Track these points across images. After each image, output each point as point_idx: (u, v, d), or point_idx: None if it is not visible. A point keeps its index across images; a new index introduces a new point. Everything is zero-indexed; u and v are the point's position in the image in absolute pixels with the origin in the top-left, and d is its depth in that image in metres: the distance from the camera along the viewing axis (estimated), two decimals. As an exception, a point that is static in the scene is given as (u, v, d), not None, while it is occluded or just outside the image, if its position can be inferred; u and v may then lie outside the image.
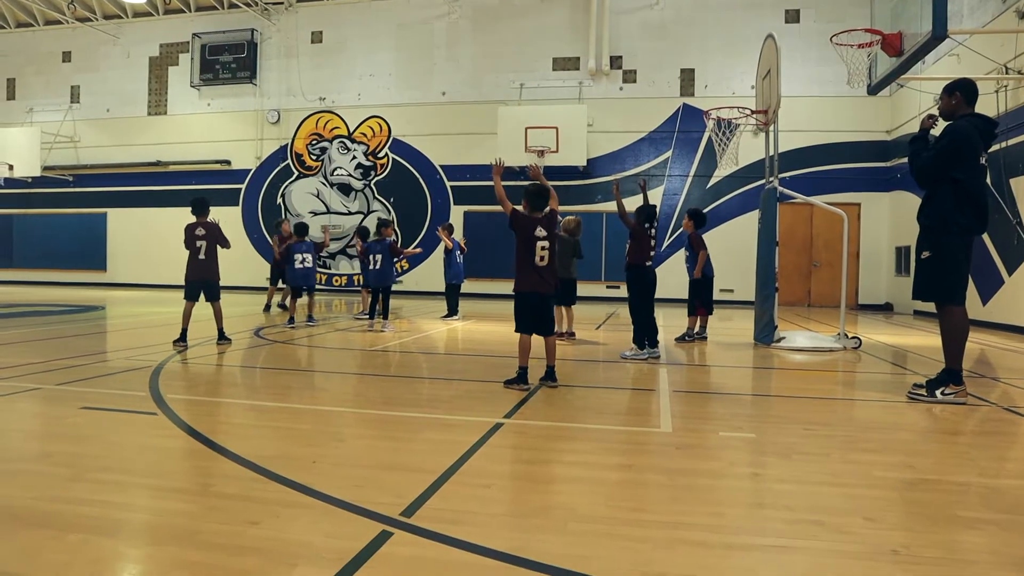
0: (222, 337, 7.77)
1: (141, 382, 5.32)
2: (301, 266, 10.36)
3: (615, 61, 18.40)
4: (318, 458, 3.40)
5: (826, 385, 6.37)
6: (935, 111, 5.42)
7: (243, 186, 20.87)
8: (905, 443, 4.01)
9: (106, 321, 10.98)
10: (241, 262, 20.45)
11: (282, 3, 20.41)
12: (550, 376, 5.52)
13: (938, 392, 5.08)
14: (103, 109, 21.97)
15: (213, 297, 7.73)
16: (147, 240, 21.19)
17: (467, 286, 18.74)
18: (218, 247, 7.72)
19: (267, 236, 20.59)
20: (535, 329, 5.51)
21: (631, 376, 6.23)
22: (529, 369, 5.42)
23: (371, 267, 10.21)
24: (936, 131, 5.31)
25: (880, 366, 7.36)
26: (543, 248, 5.47)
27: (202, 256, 7.61)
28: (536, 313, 5.48)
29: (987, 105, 11.66)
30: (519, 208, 5.70)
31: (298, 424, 4.19)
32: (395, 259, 10.58)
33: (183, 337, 7.44)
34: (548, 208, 5.67)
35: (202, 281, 7.63)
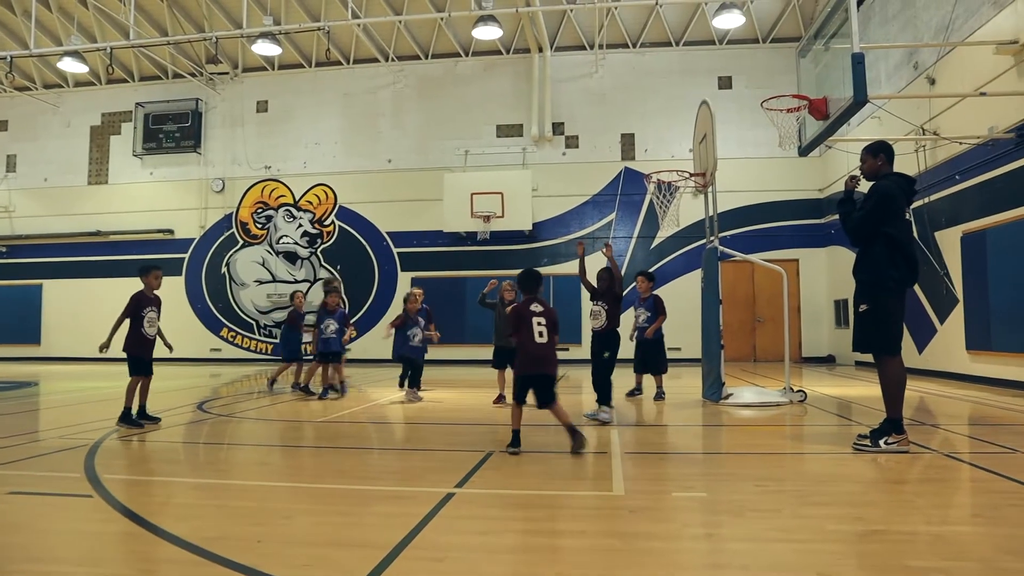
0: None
1: (75, 462, 5.07)
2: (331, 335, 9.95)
3: (557, 127, 18.91)
4: (263, 537, 3.27)
5: (775, 440, 6.45)
6: (856, 172, 5.72)
7: (187, 255, 20.52)
8: (853, 495, 4.07)
9: (39, 398, 10.51)
10: (184, 332, 19.98)
11: (227, 73, 20.51)
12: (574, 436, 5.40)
13: (881, 442, 5.17)
14: (40, 178, 21.51)
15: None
16: (85, 312, 20.51)
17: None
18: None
19: (211, 306, 20.18)
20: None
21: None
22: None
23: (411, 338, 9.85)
24: (863, 188, 5.55)
25: (826, 418, 7.50)
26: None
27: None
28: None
29: (909, 164, 12.31)
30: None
31: (243, 501, 4.04)
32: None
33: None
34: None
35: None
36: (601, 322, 7.45)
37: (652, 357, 9.21)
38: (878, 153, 5.50)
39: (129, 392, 7.10)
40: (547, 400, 5.47)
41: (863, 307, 5.33)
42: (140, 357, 7.15)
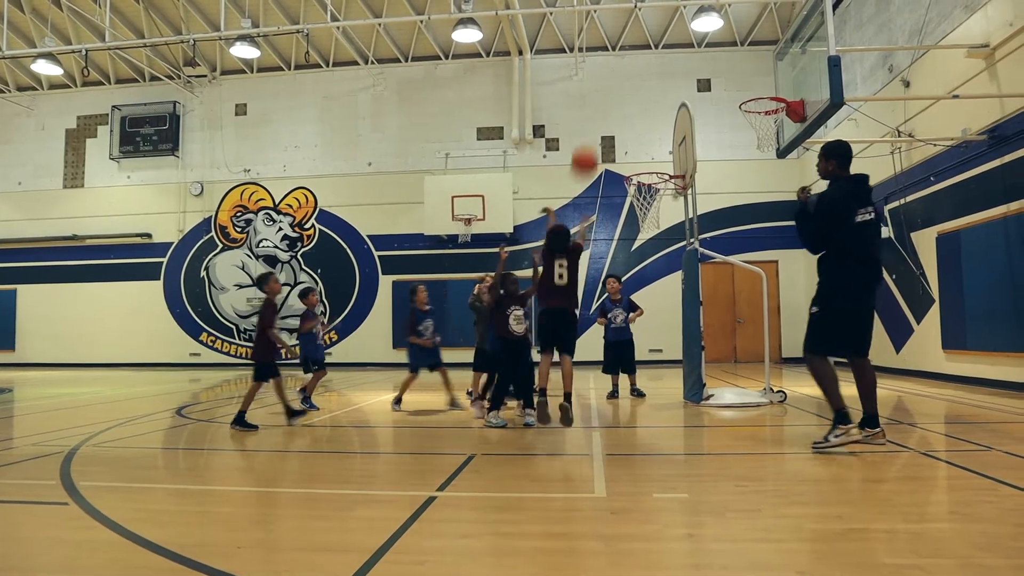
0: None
1: (51, 469, 5.00)
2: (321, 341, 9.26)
3: (538, 130, 18.93)
4: (243, 543, 3.25)
5: (755, 440, 6.49)
6: (807, 185, 5.90)
7: (165, 260, 20.31)
8: (832, 494, 4.11)
9: (14, 404, 10.35)
10: (163, 337, 19.79)
11: (205, 76, 20.35)
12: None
13: (830, 436, 5.25)
14: (14, 182, 21.19)
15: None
16: (60, 317, 20.26)
17: (396, 355, 18.61)
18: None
19: (190, 311, 20.00)
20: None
21: (564, 441, 6.22)
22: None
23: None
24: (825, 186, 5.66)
25: (805, 418, 7.56)
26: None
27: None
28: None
29: (885, 166, 12.47)
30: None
31: (222, 507, 4.01)
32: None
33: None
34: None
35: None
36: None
37: (628, 356, 9.33)
38: (830, 157, 5.52)
39: (249, 396, 7.23)
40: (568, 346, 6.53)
41: (814, 309, 5.49)
42: (271, 363, 7.34)
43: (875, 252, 5.36)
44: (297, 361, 9.00)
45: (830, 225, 5.28)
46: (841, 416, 5.28)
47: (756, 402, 8.48)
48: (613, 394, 9.41)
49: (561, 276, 6.53)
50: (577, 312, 6.89)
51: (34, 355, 20.48)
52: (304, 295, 9.17)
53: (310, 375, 8.86)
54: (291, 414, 7.35)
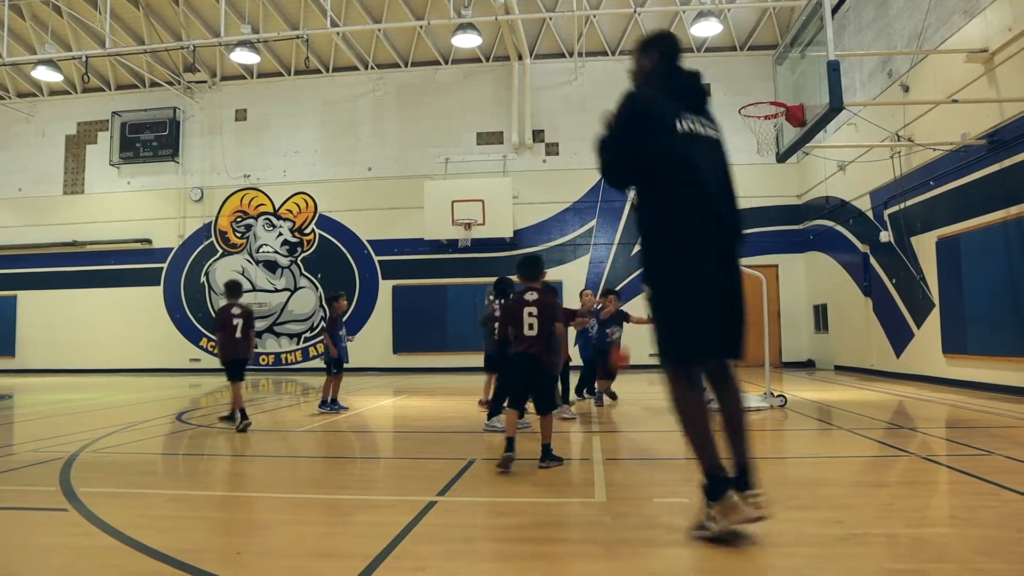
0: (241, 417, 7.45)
1: (51, 476, 5.00)
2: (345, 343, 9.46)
3: (537, 134, 18.96)
4: (243, 549, 3.24)
5: (755, 445, 6.47)
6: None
7: (165, 265, 20.32)
8: (833, 498, 4.10)
9: (13, 411, 10.34)
10: (163, 343, 19.78)
11: (205, 81, 20.39)
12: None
13: (707, 522, 3.21)
14: (14, 189, 21.21)
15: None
16: (61, 323, 20.25)
17: (397, 360, 18.62)
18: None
19: (190, 316, 19.99)
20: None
21: (564, 446, 6.22)
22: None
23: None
24: None
25: (806, 422, 7.55)
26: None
27: (238, 335, 7.64)
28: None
29: (884, 170, 12.49)
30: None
31: (222, 513, 4.00)
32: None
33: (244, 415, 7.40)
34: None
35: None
36: None
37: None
38: (648, 48, 3.66)
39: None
40: (544, 405, 5.22)
41: (646, 292, 3.45)
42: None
43: (702, 180, 3.33)
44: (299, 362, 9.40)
45: (631, 137, 3.32)
46: (716, 483, 3.23)
47: (756, 406, 8.47)
48: (613, 395, 9.46)
49: (531, 326, 5.21)
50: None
51: (34, 361, 20.47)
52: (336, 299, 9.39)
53: (329, 377, 9.17)
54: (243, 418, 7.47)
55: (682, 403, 3.29)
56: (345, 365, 9.28)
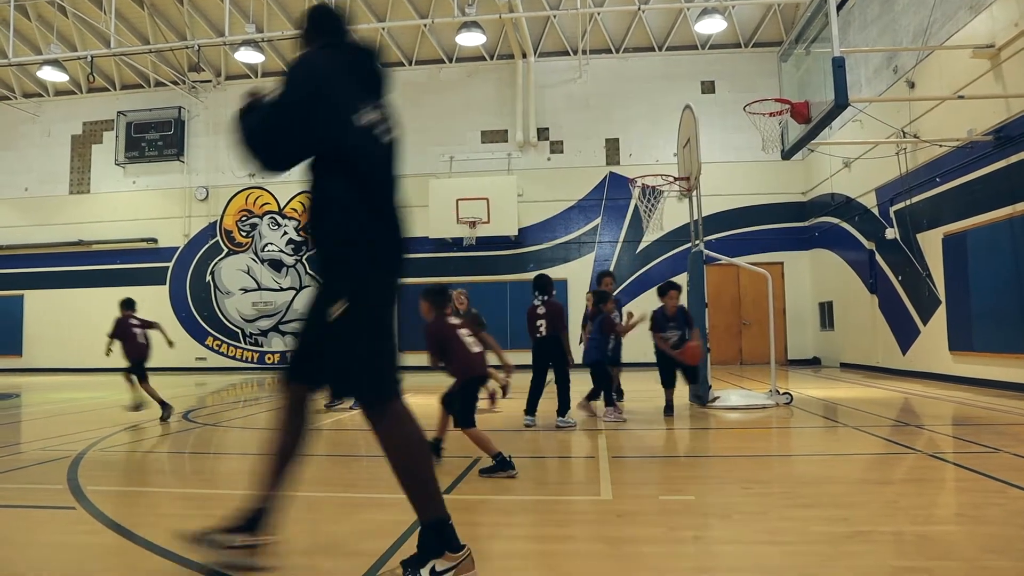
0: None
1: (58, 474, 5.02)
2: None
3: (542, 132, 18.95)
4: (250, 547, 3.24)
5: (761, 442, 6.48)
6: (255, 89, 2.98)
7: (170, 264, 20.38)
8: (839, 496, 4.09)
9: (21, 409, 10.39)
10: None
11: (210, 81, 20.42)
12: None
13: (423, 571, 2.63)
14: (21, 189, 21.29)
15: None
16: (67, 322, 20.32)
17: (402, 358, 18.60)
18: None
19: (196, 315, 20.04)
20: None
21: (570, 444, 6.22)
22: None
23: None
24: None
25: (812, 420, 7.54)
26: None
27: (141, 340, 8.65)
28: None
29: (890, 166, 12.44)
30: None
31: (228, 511, 4.00)
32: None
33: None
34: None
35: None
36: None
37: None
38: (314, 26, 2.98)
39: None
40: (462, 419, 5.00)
41: (336, 308, 2.63)
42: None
43: (385, 182, 2.76)
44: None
45: (303, 114, 2.66)
46: (439, 534, 2.67)
47: (762, 404, 8.46)
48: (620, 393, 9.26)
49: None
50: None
51: (41, 360, 20.57)
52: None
53: None
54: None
55: (408, 435, 2.77)
56: None
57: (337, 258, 2.71)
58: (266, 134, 2.68)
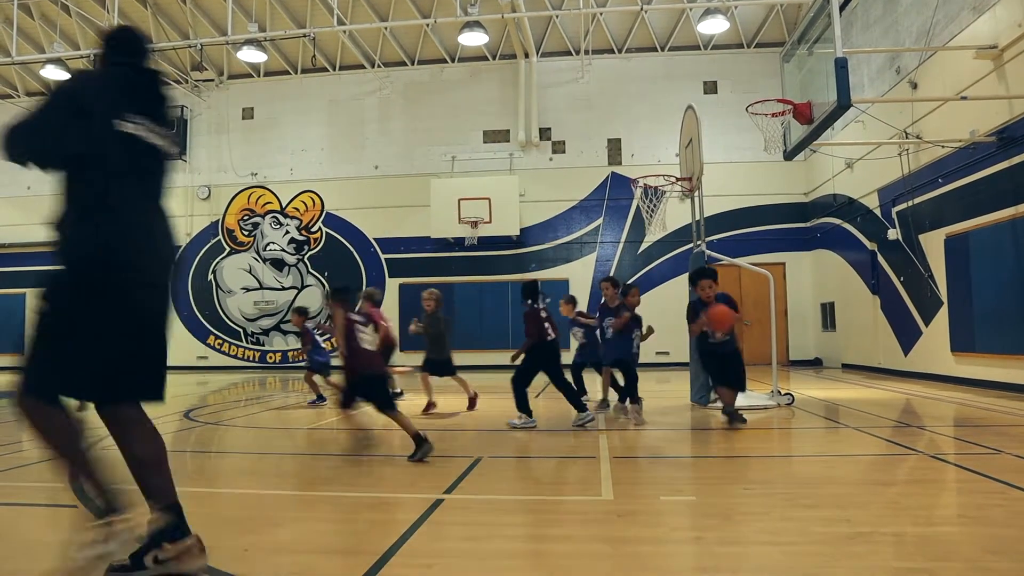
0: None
1: (60, 472, 5.01)
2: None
3: (544, 132, 18.95)
4: (250, 546, 3.25)
5: (762, 443, 6.47)
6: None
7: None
8: (840, 497, 4.09)
9: (23, 409, 10.38)
10: (170, 340, 19.81)
11: (212, 80, 20.44)
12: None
13: (147, 559, 2.81)
14: (23, 187, 21.29)
15: None
16: (69, 322, 20.33)
17: (402, 358, 18.60)
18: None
19: (198, 314, 20.06)
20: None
21: (571, 444, 6.22)
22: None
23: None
24: None
25: (813, 420, 7.54)
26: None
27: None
28: None
29: (892, 167, 12.43)
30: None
31: (229, 510, 4.01)
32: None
33: None
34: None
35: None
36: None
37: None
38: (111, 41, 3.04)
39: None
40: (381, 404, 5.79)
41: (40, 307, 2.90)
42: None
43: (131, 197, 2.86)
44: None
45: (54, 119, 2.76)
46: (171, 528, 2.98)
47: (763, 405, 8.45)
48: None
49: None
50: None
51: (43, 358, 20.54)
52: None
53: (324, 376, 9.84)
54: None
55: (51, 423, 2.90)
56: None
57: (62, 257, 2.97)
58: (18, 127, 2.79)
